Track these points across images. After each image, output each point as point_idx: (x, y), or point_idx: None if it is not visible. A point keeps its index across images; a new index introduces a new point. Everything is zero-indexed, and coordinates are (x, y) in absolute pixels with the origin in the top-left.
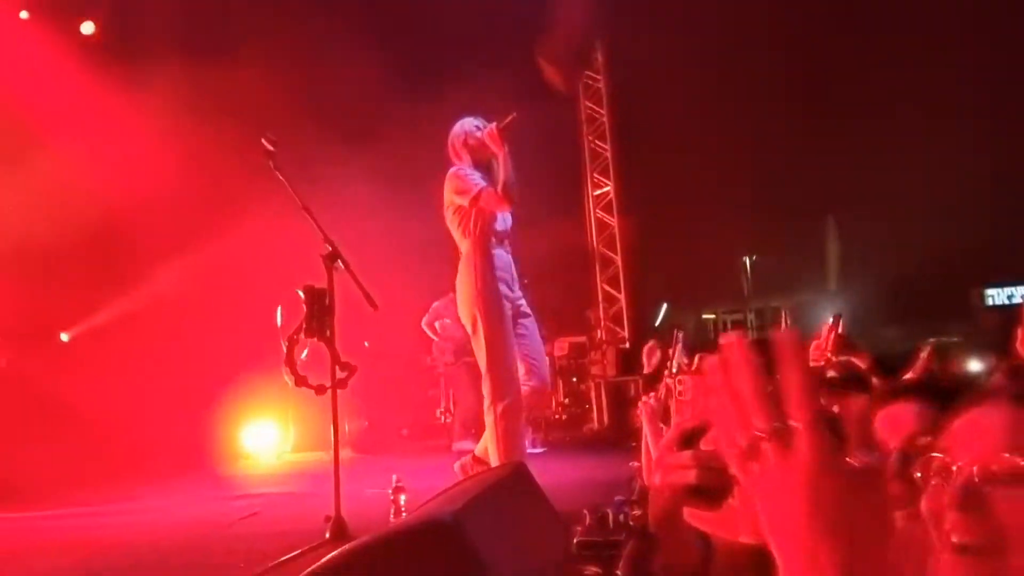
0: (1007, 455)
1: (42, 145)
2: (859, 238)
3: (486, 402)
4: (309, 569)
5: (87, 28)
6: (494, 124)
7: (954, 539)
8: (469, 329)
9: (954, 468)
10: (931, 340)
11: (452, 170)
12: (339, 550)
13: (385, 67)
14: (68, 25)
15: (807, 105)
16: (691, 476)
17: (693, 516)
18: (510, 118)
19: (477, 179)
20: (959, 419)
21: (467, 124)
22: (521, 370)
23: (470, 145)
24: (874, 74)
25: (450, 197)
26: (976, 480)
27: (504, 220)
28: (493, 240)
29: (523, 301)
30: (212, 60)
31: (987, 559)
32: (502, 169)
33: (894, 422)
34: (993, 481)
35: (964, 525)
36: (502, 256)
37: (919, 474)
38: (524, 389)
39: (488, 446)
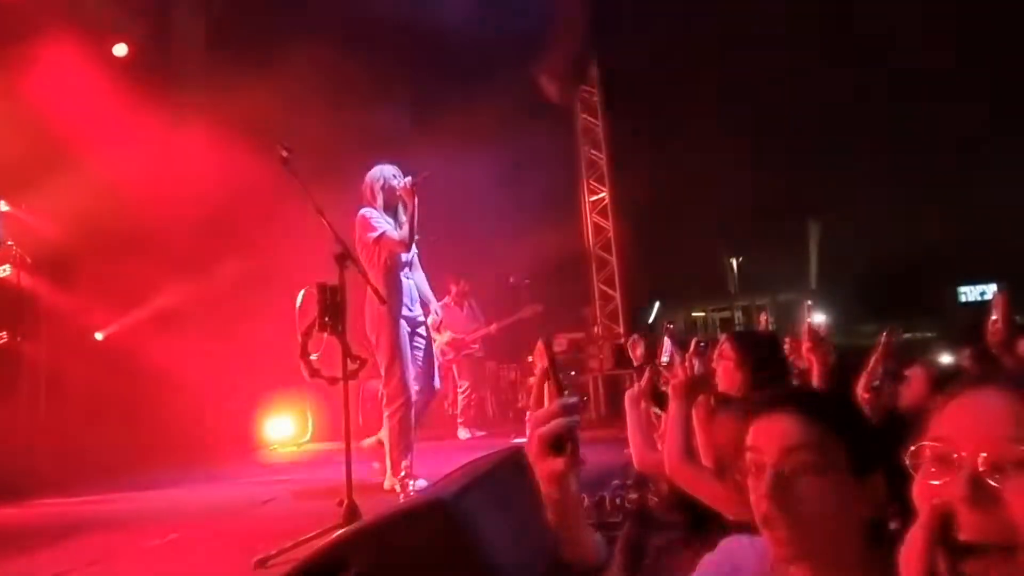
0: (1015, 443)
1: (79, 156)
2: (839, 240)
3: (384, 401)
4: (313, 549)
5: (120, 50)
6: (409, 179)
7: (963, 536)
8: (372, 342)
9: (955, 457)
10: (891, 326)
11: (361, 212)
12: (342, 530)
13: (393, 80)
14: (101, 47)
15: (788, 116)
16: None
17: (690, 484)
18: (423, 175)
19: (380, 223)
20: (953, 403)
21: (385, 171)
22: (412, 375)
23: (385, 190)
24: (851, 80)
25: (359, 234)
26: (983, 471)
27: (405, 255)
28: (395, 270)
29: (422, 317)
30: (237, 75)
31: (999, 558)
32: (407, 220)
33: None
34: (1002, 471)
35: (974, 521)
36: (403, 282)
37: (909, 462)
38: (414, 392)
39: (384, 438)
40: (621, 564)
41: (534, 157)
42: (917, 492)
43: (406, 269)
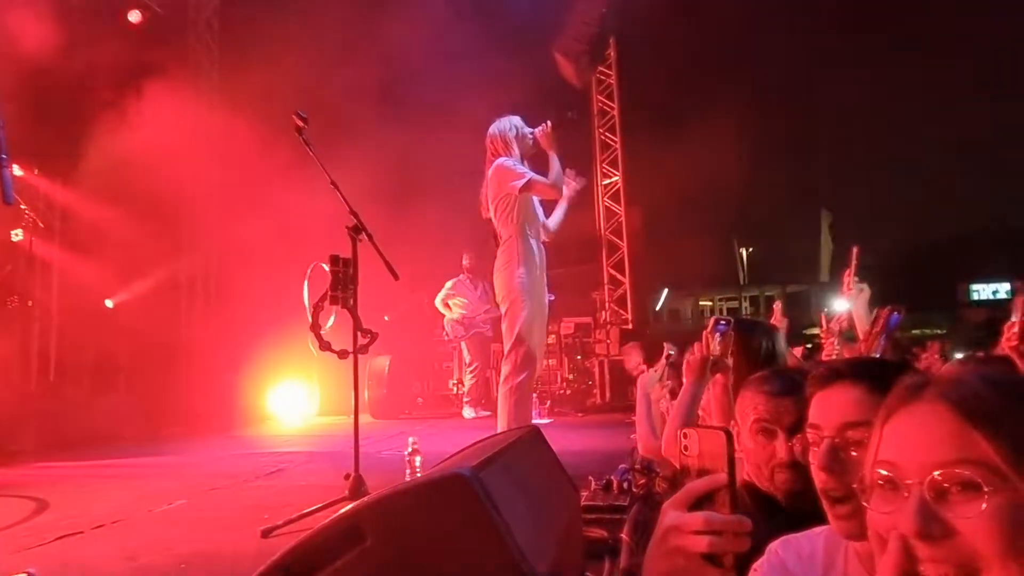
0: (957, 467)
1: (93, 123)
2: (851, 232)
3: (504, 373)
4: (330, 518)
5: (134, 16)
6: (548, 123)
7: (923, 570)
8: (503, 308)
9: (902, 484)
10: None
11: (500, 161)
12: (359, 500)
13: (414, 56)
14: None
15: (804, 104)
16: (703, 543)
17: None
18: (569, 114)
19: (525, 168)
20: (895, 419)
21: (515, 120)
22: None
23: (519, 139)
24: (871, 72)
25: (500, 186)
26: (930, 500)
27: (540, 214)
28: (529, 231)
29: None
30: (251, 48)
31: None
32: (553, 165)
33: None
34: (947, 498)
35: (932, 554)
36: (537, 246)
37: (856, 486)
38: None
39: (500, 414)
40: (629, 546)
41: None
42: (870, 520)
43: (540, 234)
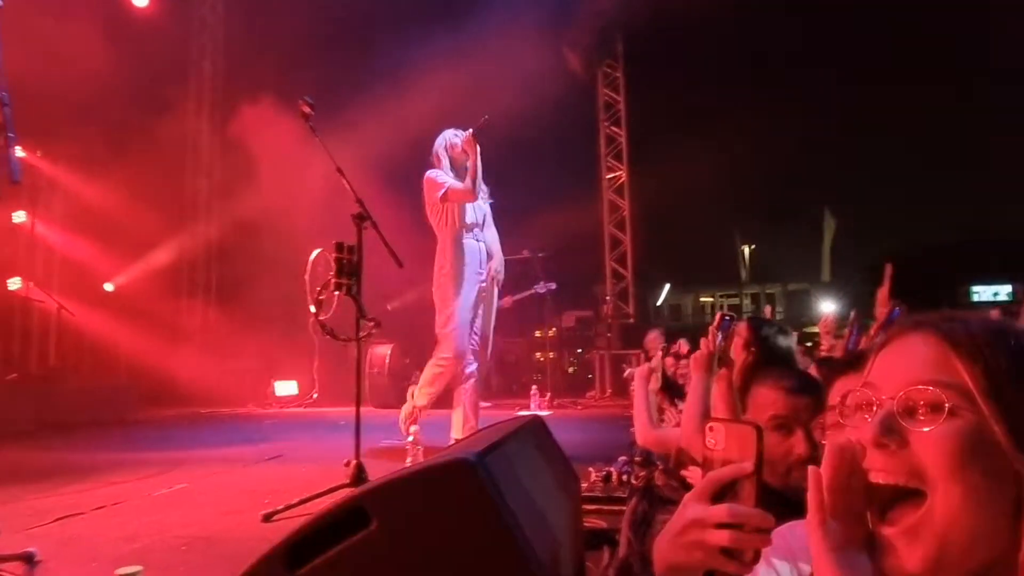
0: (929, 386)
1: (100, 105)
2: (853, 233)
3: (435, 357)
4: (335, 501)
5: (141, 1)
6: (470, 130)
7: (872, 478)
8: (438, 304)
9: (874, 402)
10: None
11: (427, 173)
12: (364, 485)
13: (423, 50)
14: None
15: (808, 102)
16: (724, 537)
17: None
18: (483, 120)
19: (445, 178)
20: (883, 351)
21: (447, 134)
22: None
23: (449, 148)
24: (874, 73)
25: (427, 197)
26: (895, 413)
27: (474, 213)
28: (463, 232)
29: (485, 281)
30: (249, 36)
31: (910, 506)
32: (470, 169)
33: (895, 361)
34: (913, 414)
35: (882, 463)
36: (471, 245)
37: (840, 411)
38: (471, 365)
39: (418, 389)
40: (628, 537)
41: (554, 131)
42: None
43: (476, 230)
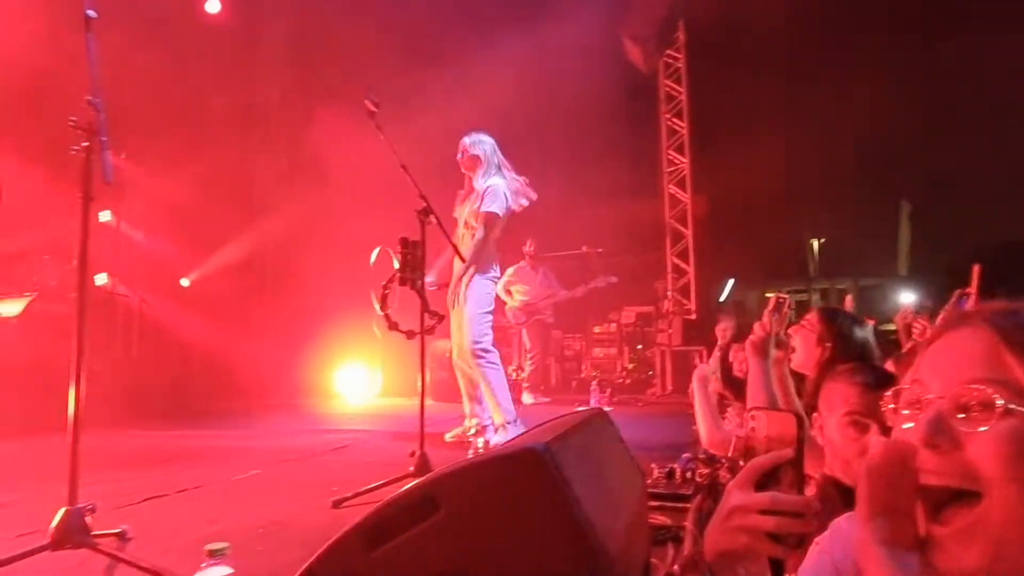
0: (982, 385)
1: (173, 109)
2: (932, 224)
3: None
4: (405, 487)
5: (212, 7)
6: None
7: (923, 480)
8: (451, 304)
9: (925, 399)
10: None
11: (492, 185)
12: (432, 472)
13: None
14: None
15: (882, 91)
16: (769, 523)
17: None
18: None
19: (503, 206)
20: (934, 345)
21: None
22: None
23: (486, 158)
24: (951, 61)
25: (486, 204)
26: (947, 413)
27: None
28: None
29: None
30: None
31: (963, 507)
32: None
33: (945, 356)
34: (967, 414)
35: (934, 465)
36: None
37: (891, 406)
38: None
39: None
40: (693, 534)
41: (615, 123)
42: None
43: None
